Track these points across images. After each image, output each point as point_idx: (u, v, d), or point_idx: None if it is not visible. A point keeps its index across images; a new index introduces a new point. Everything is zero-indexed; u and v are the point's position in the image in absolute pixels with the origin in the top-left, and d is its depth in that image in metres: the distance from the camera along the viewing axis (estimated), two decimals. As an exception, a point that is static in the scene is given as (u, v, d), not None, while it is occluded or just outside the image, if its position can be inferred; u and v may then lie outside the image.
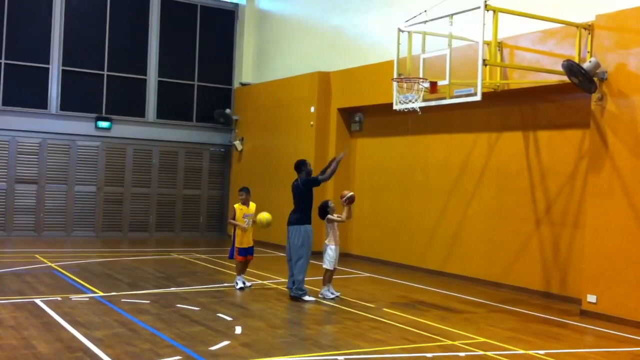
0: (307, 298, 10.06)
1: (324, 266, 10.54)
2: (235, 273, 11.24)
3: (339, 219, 10.57)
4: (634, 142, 9.45)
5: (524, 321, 9.38)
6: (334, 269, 10.60)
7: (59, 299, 9.50)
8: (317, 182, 10.36)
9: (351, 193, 10.77)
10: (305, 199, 10.26)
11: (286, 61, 18.90)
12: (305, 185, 10.27)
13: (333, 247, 10.52)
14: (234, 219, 11.00)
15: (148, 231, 19.44)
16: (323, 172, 10.61)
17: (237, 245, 10.97)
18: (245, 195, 11.15)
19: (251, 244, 11.08)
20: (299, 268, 10.11)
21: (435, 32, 10.96)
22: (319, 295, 10.46)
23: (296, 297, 10.04)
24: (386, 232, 15.07)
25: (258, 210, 11.05)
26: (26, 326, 7.79)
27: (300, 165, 10.41)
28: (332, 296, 10.42)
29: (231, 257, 11.11)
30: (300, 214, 10.21)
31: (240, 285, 10.94)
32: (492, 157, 12.61)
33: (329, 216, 10.52)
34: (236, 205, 11.16)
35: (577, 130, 11.05)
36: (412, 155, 14.51)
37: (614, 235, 9.61)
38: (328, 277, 10.56)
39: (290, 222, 10.24)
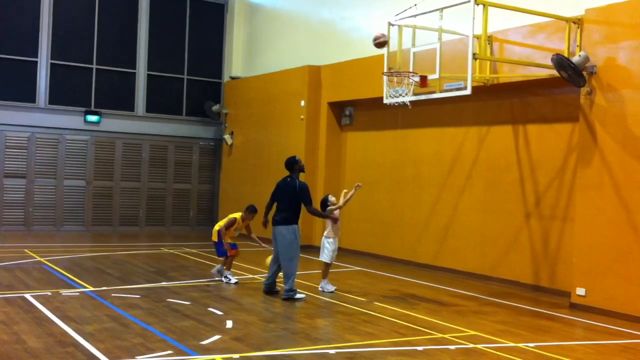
0: (298, 296, 9.89)
1: (321, 259, 10.62)
2: (219, 264, 11.25)
3: (333, 206, 10.56)
4: (623, 135, 9.51)
5: (514, 314, 9.44)
6: (331, 263, 10.64)
7: (49, 293, 9.47)
8: (309, 203, 10.05)
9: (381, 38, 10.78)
10: (298, 200, 10.03)
11: (276, 55, 18.87)
12: (302, 191, 10.04)
13: (330, 240, 10.56)
14: (227, 228, 11.01)
15: (138, 225, 19.40)
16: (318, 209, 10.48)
17: (226, 241, 10.97)
18: (253, 216, 11.18)
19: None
20: (288, 270, 9.89)
21: (425, 26, 10.98)
22: (319, 289, 10.53)
23: (288, 299, 9.84)
24: (377, 226, 15.10)
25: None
26: (17, 321, 7.77)
27: (293, 164, 10.13)
28: (332, 289, 10.46)
29: (224, 255, 11.07)
30: (290, 214, 9.98)
31: (234, 280, 10.98)
32: (482, 151, 12.65)
33: (328, 208, 10.55)
34: (238, 218, 11.14)
35: (567, 124, 11.10)
36: (402, 149, 14.53)
37: (603, 228, 9.67)
38: (324, 271, 10.63)
39: (279, 222, 9.95)
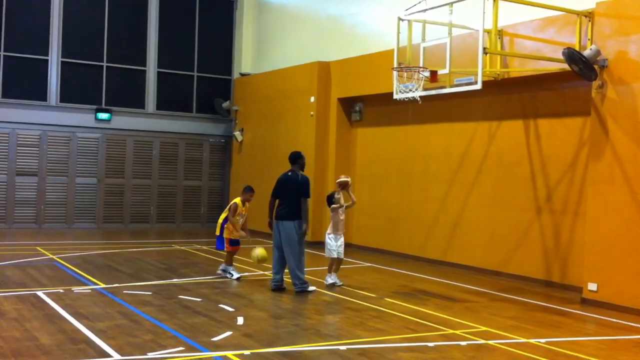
0: (311, 289, 10.01)
1: (325, 254, 10.73)
2: (223, 263, 11.31)
3: (336, 205, 10.65)
4: (635, 129, 9.44)
5: (525, 310, 9.40)
6: (339, 258, 10.66)
7: (61, 291, 9.52)
8: (307, 197, 10.12)
9: (341, 179, 10.86)
10: (299, 194, 10.03)
11: (286, 51, 18.86)
12: (305, 184, 10.06)
13: (331, 236, 10.64)
14: (234, 215, 11.02)
15: (149, 222, 19.47)
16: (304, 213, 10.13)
17: (227, 236, 11.02)
18: (251, 195, 11.22)
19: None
20: (298, 264, 9.96)
21: (435, 20, 10.94)
22: (325, 283, 10.58)
23: (301, 292, 9.92)
24: (386, 222, 15.07)
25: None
26: (29, 318, 7.81)
27: (297, 158, 10.24)
28: (331, 281, 10.53)
29: (221, 248, 11.16)
30: (294, 208, 9.98)
31: (236, 275, 10.98)
32: (493, 146, 12.59)
33: (332, 206, 10.65)
34: (238, 202, 11.15)
35: (578, 118, 11.03)
36: (412, 144, 14.49)
37: (614, 223, 9.61)
38: (330, 266, 10.69)
39: (283, 217, 9.98)
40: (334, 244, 10.63)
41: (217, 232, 11.18)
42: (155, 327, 7.56)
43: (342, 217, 10.75)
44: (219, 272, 11.18)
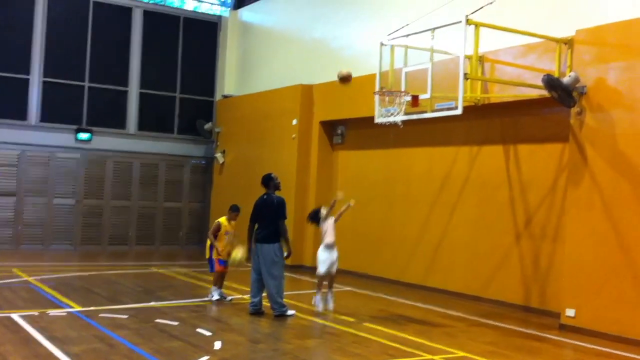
0: (290, 313, 9.93)
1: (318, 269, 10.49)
2: (211, 286, 11.18)
3: (326, 212, 10.50)
4: (613, 155, 9.52)
5: (504, 335, 9.38)
6: (329, 274, 10.41)
7: (36, 313, 9.36)
8: (284, 219, 10.05)
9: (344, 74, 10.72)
10: (277, 217, 10.01)
11: (269, 73, 18.90)
12: (280, 205, 10.03)
13: (320, 248, 10.46)
14: (215, 234, 10.95)
15: (128, 244, 19.26)
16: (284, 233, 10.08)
17: (215, 257, 10.95)
18: (236, 215, 11.17)
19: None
20: (277, 288, 9.89)
21: (417, 45, 11.02)
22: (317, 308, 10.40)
23: (280, 316, 9.84)
24: (368, 245, 15.03)
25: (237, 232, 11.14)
26: (2, 341, 7.67)
27: (268, 180, 10.23)
28: (319, 307, 10.28)
29: (213, 270, 11.06)
30: (273, 231, 9.96)
31: (216, 297, 10.87)
32: (474, 170, 12.64)
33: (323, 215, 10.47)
34: (222, 220, 11.11)
35: (557, 143, 11.11)
36: (394, 168, 14.52)
37: (593, 248, 9.65)
38: (319, 283, 10.49)
39: (261, 240, 9.93)
40: (320, 259, 10.33)
41: (207, 255, 11.11)
42: (131, 352, 7.45)
43: (331, 231, 10.42)
44: (218, 297, 11.01)
